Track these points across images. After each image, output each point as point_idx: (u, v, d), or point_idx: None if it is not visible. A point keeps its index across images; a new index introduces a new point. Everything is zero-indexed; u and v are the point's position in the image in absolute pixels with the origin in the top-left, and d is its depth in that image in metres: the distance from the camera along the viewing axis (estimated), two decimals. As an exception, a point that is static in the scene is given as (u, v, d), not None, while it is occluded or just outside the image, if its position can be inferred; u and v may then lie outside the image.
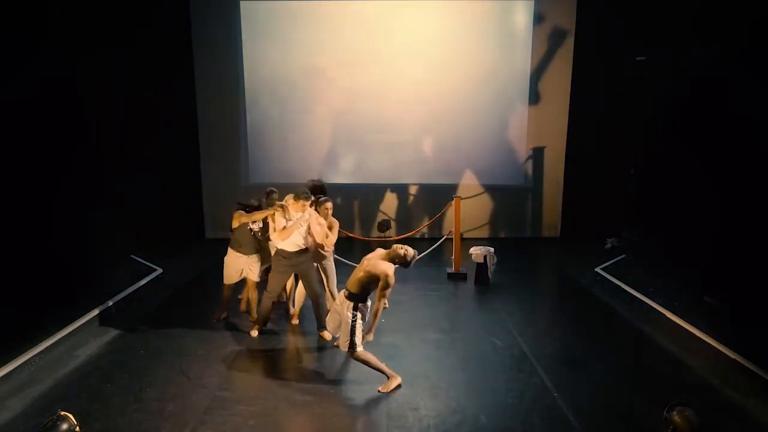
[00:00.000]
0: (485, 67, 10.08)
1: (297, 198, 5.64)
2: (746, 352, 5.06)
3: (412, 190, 10.45)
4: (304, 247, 5.75)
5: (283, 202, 5.80)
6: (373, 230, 10.32)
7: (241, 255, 6.09)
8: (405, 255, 4.80)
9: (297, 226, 5.63)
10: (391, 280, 4.67)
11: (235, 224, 5.98)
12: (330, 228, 6.04)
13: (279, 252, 5.75)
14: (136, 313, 6.63)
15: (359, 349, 4.78)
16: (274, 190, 6.62)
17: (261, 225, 6.03)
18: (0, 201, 6.17)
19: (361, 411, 4.59)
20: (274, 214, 5.71)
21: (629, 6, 9.22)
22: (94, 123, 8.14)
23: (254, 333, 5.96)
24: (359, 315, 4.78)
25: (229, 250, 6.16)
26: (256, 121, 10.24)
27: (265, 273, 6.29)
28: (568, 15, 9.88)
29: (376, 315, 4.78)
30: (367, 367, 4.84)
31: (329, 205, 6.09)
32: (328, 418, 4.47)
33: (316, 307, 5.92)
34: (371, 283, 4.73)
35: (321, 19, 9.91)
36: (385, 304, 4.81)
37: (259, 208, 6.07)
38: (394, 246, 4.87)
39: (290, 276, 6.08)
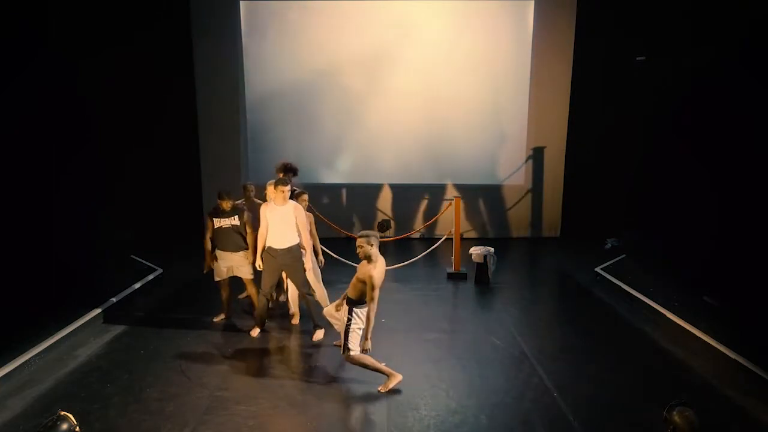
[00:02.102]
0: (485, 67, 10.07)
1: (276, 185, 5.64)
2: (746, 352, 5.06)
3: (412, 190, 10.44)
4: (294, 243, 5.73)
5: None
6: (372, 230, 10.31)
7: (226, 252, 6.10)
8: (360, 244, 4.72)
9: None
10: (376, 280, 4.64)
11: (208, 231, 6.08)
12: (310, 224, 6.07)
13: (267, 249, 5.74)
14: (136, 313, 6.63)
15: (353, 352, 4.78)
16: (251, 184, 6.68)
17: (237, 222, 6.02)
18: (0, 201, 6.17)
19: (361, 411, 4.59)
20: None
21: (629, 6, 9.23)
22: (95, 123, 8.15)
23: (254, 333, 5.96)
24: (355, 319, 4.78)
25: (216, 248, 6.18)
26: (256, 121, 10.25)
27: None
28: (568, 15, 9.88)
29: (368, 320, 4.73)
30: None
31: (306, 196, 6.11)
32: (328, 418, 4.47)
33: (305, 305, 5.93)
34: (364, 287, 4.73)
35: (321, 18, 9.91)
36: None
37: (220, 211, 6.02)
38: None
39: (279, 274, 5.94)
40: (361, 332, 4.81)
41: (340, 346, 4.95)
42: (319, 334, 5.85)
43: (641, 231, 8.90)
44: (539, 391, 4.79)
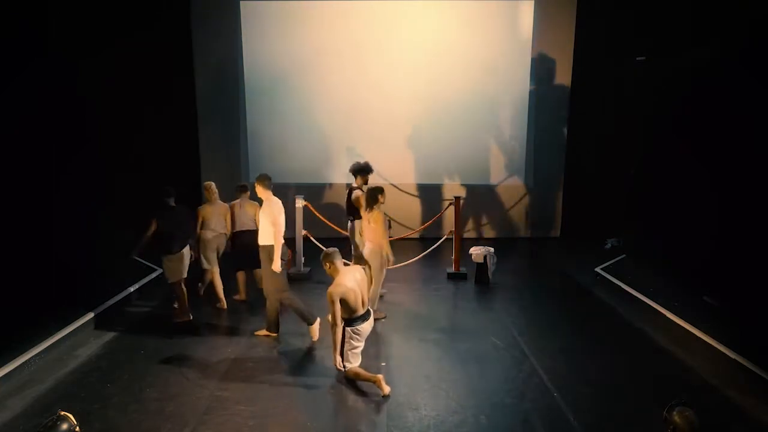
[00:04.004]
0: (486, 67, 10.08)
1: (262, 181, 5.72)
2: (746, 352, 5.06)
3: (412, 190, 10.45)
4: (267, 243, 5.69)
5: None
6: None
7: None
8: (326, 270, 4.93)
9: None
10: (333, 295, 4.64)
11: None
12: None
13: None
14: (137, 314, 6.63)
15: (348, 367, 4.82)
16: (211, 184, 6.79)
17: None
18: (1, 201, 6.17)
19: (361, 411, 4.59)
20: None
21: (629, 6, 9.23)
22: (94, 123, 8.15)
23: (261, 333, 5.95)
24: (347, 340, 4.79)
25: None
26: (256, 121, 10.25)
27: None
28: (568, 15, 9.88)
29: (333, 336, 4.79)
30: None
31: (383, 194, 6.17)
32: (328, 418, 4.48)
33: (290, 307, 5.88)
34: (342, 303, 4.73)
35: (321, 18, 9.92)
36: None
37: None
38: None
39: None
40: (356, 351, 4.84)
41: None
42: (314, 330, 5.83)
43: (641, 231, 8.90)
44: (539, 391, 4.79)
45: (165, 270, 6.20)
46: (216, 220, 6.62)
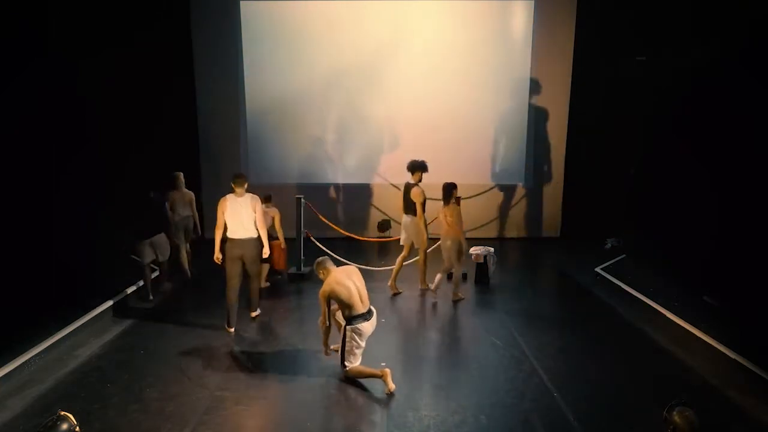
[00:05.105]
0: (485, 67, 10.07)
1: (233, 180, 5.97)
2: (746, 352, 5.06)
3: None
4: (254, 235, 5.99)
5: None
6: (372, 230, 10.32)
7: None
8: (320, 277, 5.06)
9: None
10: (321, 293, 4.82)
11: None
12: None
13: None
14: (136, 313, 6.63)
15: (349, 366, 4.85)
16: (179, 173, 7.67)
17: None
18: (1, 201, 6.18)
19: (361, 411, 4.59)
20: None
21: (629, 6, 9.23)
22: (95, 123, 8.14)
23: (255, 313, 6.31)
24: (348, 339, 4.83)
25: None
26: (255, 122, 10.24)
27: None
28: (568, 15, 9.88)
29: (322, 330, 4.95)
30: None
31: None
32: (328, 418, 4.48)
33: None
34: (336, 300, 4.84)
35: (321, 19, 9.91)
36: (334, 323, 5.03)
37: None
38: None
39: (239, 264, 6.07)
40: (358, 351, 4.86)
41: (337, 350, 4.99)
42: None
43: (641, 231, 8.90)
44: (539, 391, 4.79)
45: (137, 252, 7.02)
46: (182, 205, 7.60)
